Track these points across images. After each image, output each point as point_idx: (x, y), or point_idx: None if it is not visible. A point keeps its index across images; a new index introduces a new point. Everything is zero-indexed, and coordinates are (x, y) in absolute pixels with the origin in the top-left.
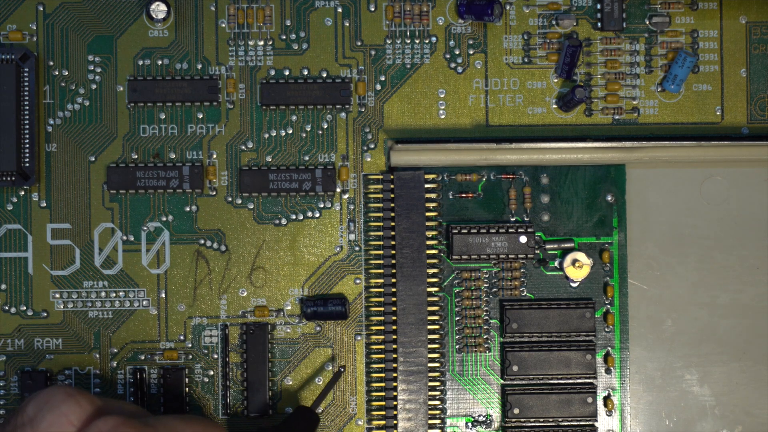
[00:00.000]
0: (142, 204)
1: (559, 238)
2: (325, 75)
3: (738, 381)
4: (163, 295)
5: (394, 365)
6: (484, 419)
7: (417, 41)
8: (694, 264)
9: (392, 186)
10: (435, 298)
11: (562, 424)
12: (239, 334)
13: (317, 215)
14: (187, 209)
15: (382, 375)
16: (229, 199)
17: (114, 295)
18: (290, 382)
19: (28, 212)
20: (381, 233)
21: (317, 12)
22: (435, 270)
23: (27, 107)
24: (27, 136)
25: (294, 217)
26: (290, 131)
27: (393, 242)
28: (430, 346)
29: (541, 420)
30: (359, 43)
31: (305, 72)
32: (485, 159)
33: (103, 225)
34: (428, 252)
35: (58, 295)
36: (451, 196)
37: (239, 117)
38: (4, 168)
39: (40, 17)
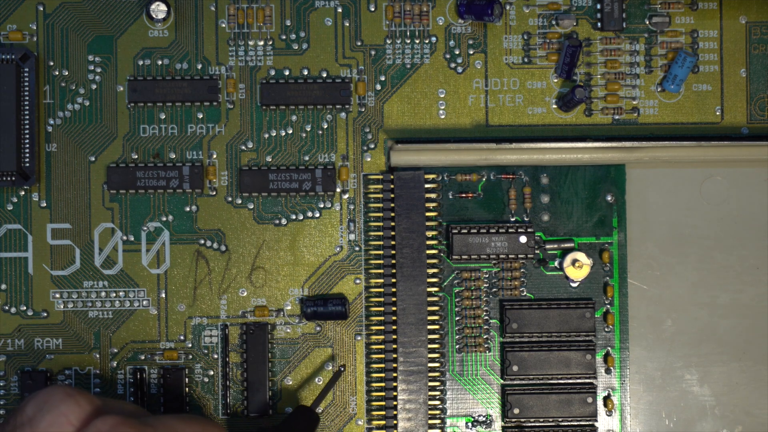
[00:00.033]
0: (142, 204)
1: (559, 238)
2: (325, 75)
3: (738, 381)
4: (163, 295)
5: (394, 365)
6: (484, 419)
7: (417, 41)
8: (694, 264)
9: (392, 186)
10: (435, 298)
11: (562, 424)
12: (239, 334)
13: (317, 215)
14: (187, 209)
15: (382, 375)
16: (229, 199)
17: (114, 295)
18: (290, 382)
19: (28, 212)
20: (381, 233)
21: (317, 12)
22: (435, 270)
23: (27, 107)
24: (27, 136)
25: (294, 217)
26: (290, 131)
27: (393, 242)
28: (430, 346)
29: (541, 420)
30: (359, 43)
31: (305, 72)
32: (485, 159)
33: (103, 225)
34: (428, 252)
35: (58, 295)
36: (451, 196)
37: (239, 117)
38: (4, 168)
39: (40, 17)
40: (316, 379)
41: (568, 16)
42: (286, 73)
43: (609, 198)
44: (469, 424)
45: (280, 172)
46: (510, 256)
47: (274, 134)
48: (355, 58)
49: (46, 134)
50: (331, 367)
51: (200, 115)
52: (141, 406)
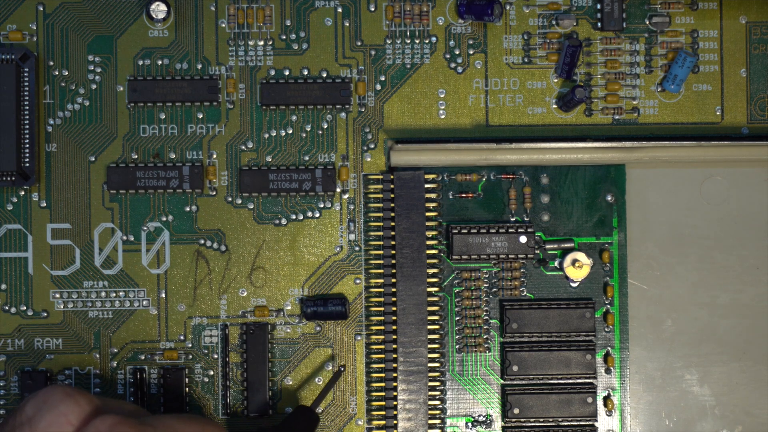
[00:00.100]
0: (142, 204)
1: (559, 238)
2: (325, 75)
3: (738, 381)
4: (163, 295)
5: (394, 365)
6: (484, 419)
7: (417, 41)
8: (694, 264)
9: (392, 186)
10: (435, 298)
11: (562, 424)
12: (239, 334)
13: (317, 215)
14: (187, 209)
15: (382, 375)
16: (229, 199)
17: (114, 295)
18: (290, 382)
19: (28, 212)
20: (381, 233)
21: (317, 12)
22: (435, 270)
23: (27, 107)
24: (27, 136)
25: (294, 217)
26: (290, 131)
27: (393, 242)
28: (430, 346)
29: (541, 420)
30: (359, 43)
31: (305, 72)
32: (485, 159)
33: (103, 225)
34: (428, 252)
35: (58, 295)
36: (451, 196)
37: (239, 117)
38: (4, 168)
39: (40, 17)
40: (316, 379)
41: (568, 16)
42: (286, 73)
43: (609, 198)
44: (469, 424)
45: (280, 172)
46: (510, 256)
47: (274, 134)
48: (355, 58)
49: (46, 134)
50: (331, 367)
51: (200, 115)
52: (141, 406)
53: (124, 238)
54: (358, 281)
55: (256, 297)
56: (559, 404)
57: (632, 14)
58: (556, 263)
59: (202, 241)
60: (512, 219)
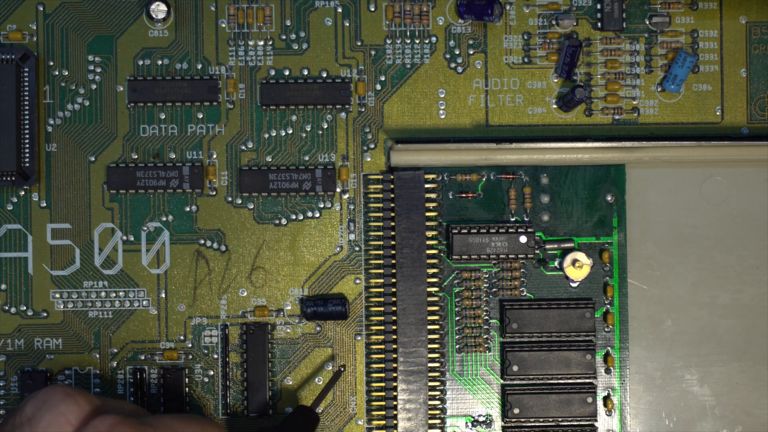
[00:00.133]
0: (142, 204)
1: (559, 238)
2: (325, 75)
3: (738, 381)
4: (163, 295)
5: (394, 365)
6: (484, 419)
7: (417, 41)
8: (694, 264)
9: (392, 186)
10: (435, 298)
11: (562, 424)
12: (239, 334)
13: (317, 215)
14: (187, 209)
15: (382, 375)
16: (229, 199)
17: (114, 295)
18: (290, 382)
19: (28, 212)
20: (381, 233)
21: (317, 12)
22: (435, 270)
23: (27, 107)
24: (27, 136)
25: (294, 217)
26: (290, 131)
27: (393, 242)
28: (430, 346)
29: (541, 420)
30: (359, 43)
31: (305, 72)
32: (485, 159)
33: (103, 225)
34: (428, 252)
35: (58, 295)
36: (451, 196)
37: (239, 117)
38: (4, 168)
39: (40, 17)
40: (316, 379)
41: (568, 16)
42: (286, 73)
43: (609, 198)
44: (469, 424)
45: (280, 172)
46: (510, 256)
47: (274, 134)
48: (355, 58)
49: (46, 134)
50: (331, 367)
51: (200, 115)
52: (141, 406)
53: (124, 238)
54: (358, 281)
55: (256, 297)
56: (559, 404)
57: (632, 14)
58: (556, 263)
59: (202, 241)
60: (512, 219)
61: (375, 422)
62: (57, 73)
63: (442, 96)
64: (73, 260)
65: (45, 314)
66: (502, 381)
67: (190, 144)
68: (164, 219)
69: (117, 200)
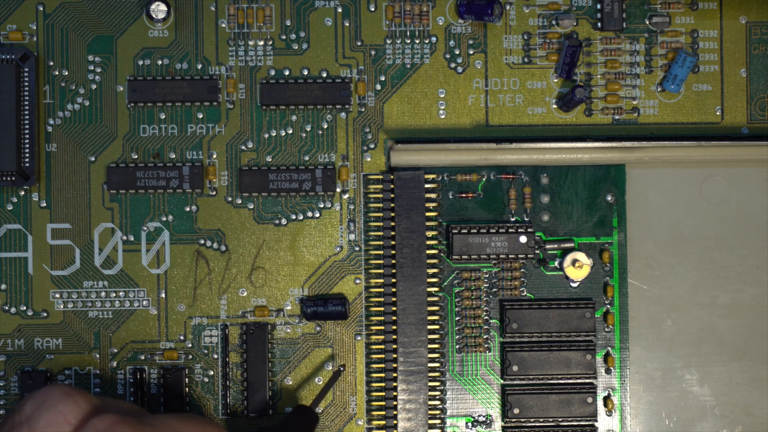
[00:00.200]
0: (142, 204)
1: (559, 238)
2: (325, 75)
3: (738, 381)
4: (163, 295)
5: (394, 365)
6: (484, 419)
7: (417, 41)
8: (694, 264)
9: (392, 186)
10: (435, 298)
11: (562, 424)
12: (239, 334)
13: (317, 215)
14: (187, 209)
15: (382, 375)
16: (229, 199)
17: (114, 295)
18: (290, 382)
19: (28, 212)
20: (381, 233)
21: (317, 12)
22: (435, 270)
23: (27, 107)
24: (27, 136)
25: (294, 217)
26: (290, 131)
27: (393, 242)
28: (430, 346)
29: (541, 420)
30: (359, 43)
31: (305, 72)
32: (485, 159)
33: (103, 225)
34: (428, 252)
35: (58, 295)
36: (451, 196)
37: (239, 117)
38: (4, 168)
39: (40, 17)
40: (316, 379)
41: (568, 16)
42: (286, 73)
43: (609, 198)
44: (469, 424)
45: (280, 172)
46: (510, 256)
47: (274, 134)
48: (355, 58)
49: (46, 134)
50: (330, 367)
51: (200, 115)
52: (141, 406)
53: (124, 238)
54: (358, 281)
55: (256, 297)
56: (559, 404)
57: (632, 14)
58: (556, 263)
59: (202, 241)
60: (512, 219)
61: (375, 422)
62: (57, 73)
63: (442, 96)
64: (73, 260)
65: (45, 314)
66: (502, 381)
67: (190, 144)
68: (164, 219)
69: (117, 200)
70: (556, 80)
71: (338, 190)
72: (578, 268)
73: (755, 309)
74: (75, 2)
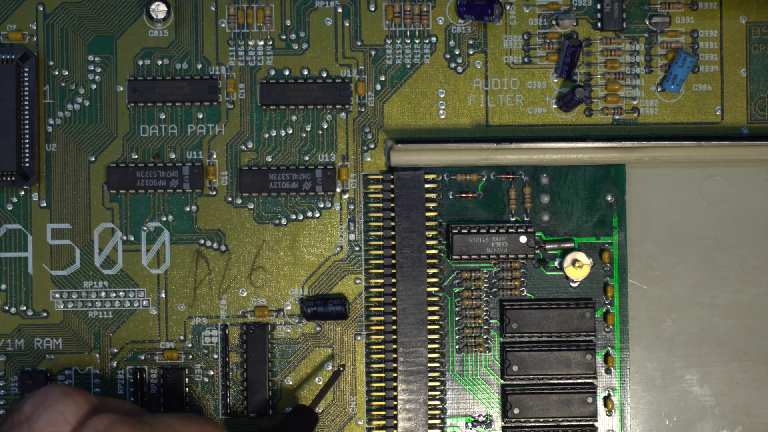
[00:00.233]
0: (142, 204)
1: (559, 238)
2: (325, 75)
3: (738, 381)
4: (163, 295)
5: (394, 365)
6: (484, 419)
7: (417, 41)
8: (694, 264)
9: (392, 186)
10: (435, 298)
11: (562, 424)
12: (239, 334)
13: (317, 215)
14: (187, 209)
15: (382, 375)
16: (229, 199)
17: (114, 295)
18: (290, 382)
19: (28, 212)
20: (381, 233)
21: (317, 12)
22: (435, 270)
23: (27, 107)
24: (27, 136)
25: (294, 217)
26: (290, 131)
27: (393, 242)
28: (430, 346)
29: (541, 420)
30: (359, 43)
31: (305, 72)
32: (485, 159)
33: (103, 225)
34: (428, 252)
35: (58, 295)
36: (451, 196)
37: (239, 117)
38: (4, 168)
39: (40, 17)
40: (316, 379)
41: (568, 16)
42: (286, 73)
43: (609, 198)
44: (469, 424)
45: (280, 172)
46: (510, 256)
47: (274, 134)
48: (355, 58)
49: (46, 134)
50: (331, 367)
51: (200, 115)
52: (141, 406)
53: (124, 238)
54: (358, 281)
55: (256, 297)
56: (559, 404)
57: (632, 14)
58: (556, 263)
59: (202, 241)
60: (512, 219)
61: (375, 422)
62: (57, 73)
63: (442, 96)
64: (73, 260)
65: (45, 314)
66: (502, 381)
67: (190, 144)
68: (164, 219)
69: (117, 200)
70: (556, 80)
71: (338, 190)
72: (578, 268)
73: (755, 309)
74: (75, 2)
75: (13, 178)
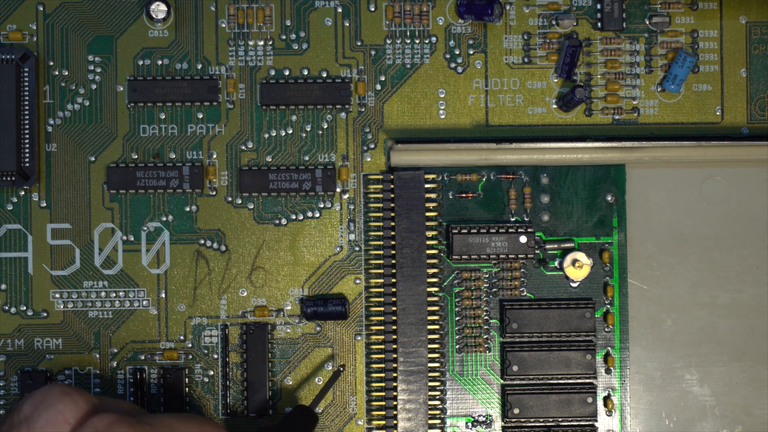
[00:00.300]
0: (142, 204)
1: (559, 238)
2: (325, 75)
3: (738, 381)
4: (163, 295)
5: (394, 365)
6: (484, 419)
7: (417, 41)
8: (694, 264)
9: (392, 186)
10: (435, 298)
11: (562, 424)
12: (239, 334)
13: (317, 215)
14: (187, 209)
15: (382, 375)
16: (229, 199)
17: (114, 295)
18: (290, 382)
19: (28, 212)
20: (381, 233)
21: (317, 12)
22: (435, 270)
23: (27, 107)
24: (27, 136)
25: (294, 217)
26: (290, 131)
27: (393, 242)
28: (430, 346)
29: (541, 420)
30: (359, 43)
31: (305, 72)
32: (485, 159)
33: (103, 225)
34: (428, 252)
35: (58, 295)
36: (451, 196)
37: (239, 117)
38: (4, 168)
39: (40, 17)
40: (316, 379)
41: (568, 16)
42: (286, 73)
43: (609, 198)
44: (469, 424)
45: (280, 172)
46: (510, 256)
47: (274, 134)
48: (355, 58)
49: (46, 134)
50: (330, 367)
51: (200, 115)
52: (141, 406)
53: (124, 238)
54: (358, 281)
55: (256, 297)
56: (559, 404)
57: (632, 14)
58: (556, 263)
59: (202, 241)
60: (512, 219)
61: (375, 422)
62: (57, 73)
63: (442, 96)
64: (73, 260)
65: (45, 314)
66: (502, 381)
67: (190, 144)
68: (164, 219)
69: (117, 200)
70: (556, 80)
71: (338, 190)
72: (578, 268)
73: (755, 309)
74: (75, 2)
75: (13, 178)
